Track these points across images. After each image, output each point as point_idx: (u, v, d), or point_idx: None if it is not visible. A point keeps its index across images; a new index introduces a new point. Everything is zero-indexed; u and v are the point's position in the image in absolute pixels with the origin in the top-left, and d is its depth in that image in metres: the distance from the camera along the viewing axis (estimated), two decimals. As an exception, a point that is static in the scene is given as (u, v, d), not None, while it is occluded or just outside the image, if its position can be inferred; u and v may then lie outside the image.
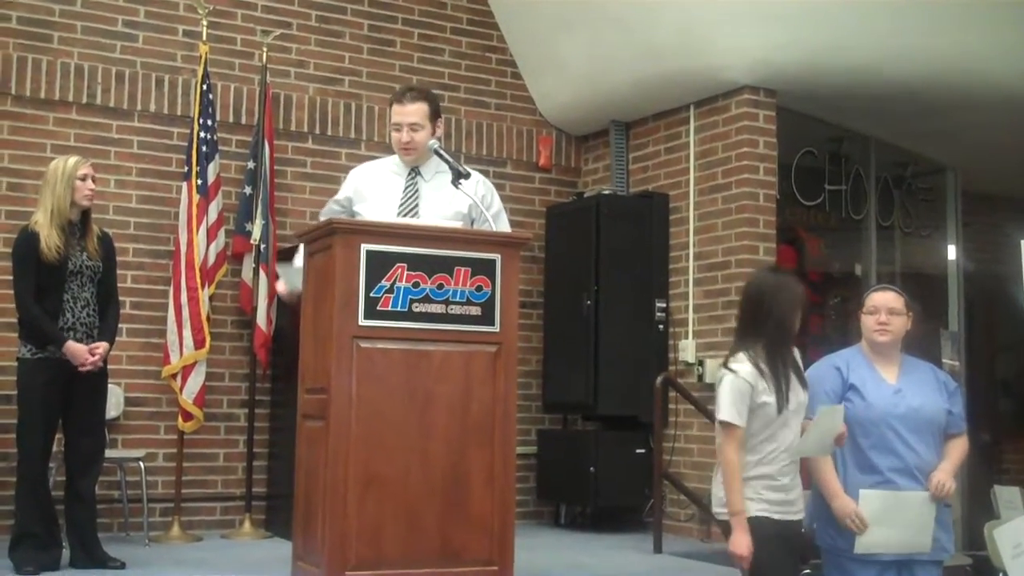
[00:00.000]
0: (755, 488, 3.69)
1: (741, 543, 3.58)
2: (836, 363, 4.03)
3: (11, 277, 4.98)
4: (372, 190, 4.39)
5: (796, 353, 3.85)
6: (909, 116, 7.09)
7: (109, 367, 5.15)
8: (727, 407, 3.64)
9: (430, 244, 3.96)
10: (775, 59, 6.38)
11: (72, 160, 5.05)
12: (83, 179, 5.00)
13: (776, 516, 3.68)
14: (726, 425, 3.65)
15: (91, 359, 4.90)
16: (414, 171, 4.42)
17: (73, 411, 4.99)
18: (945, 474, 3.88)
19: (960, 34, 6.36)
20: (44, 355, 4.88)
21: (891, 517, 3.77)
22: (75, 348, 4.87)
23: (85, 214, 5.06)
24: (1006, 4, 6.32)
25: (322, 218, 4.43)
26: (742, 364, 3.67)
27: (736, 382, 3.65)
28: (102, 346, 4.97)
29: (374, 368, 3.85)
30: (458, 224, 4.28)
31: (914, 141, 7.75)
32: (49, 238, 4.85)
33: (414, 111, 4.39)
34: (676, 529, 6.47)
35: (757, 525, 3.67)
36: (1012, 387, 8.93)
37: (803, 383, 3.77)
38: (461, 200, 4.35)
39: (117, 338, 5.26)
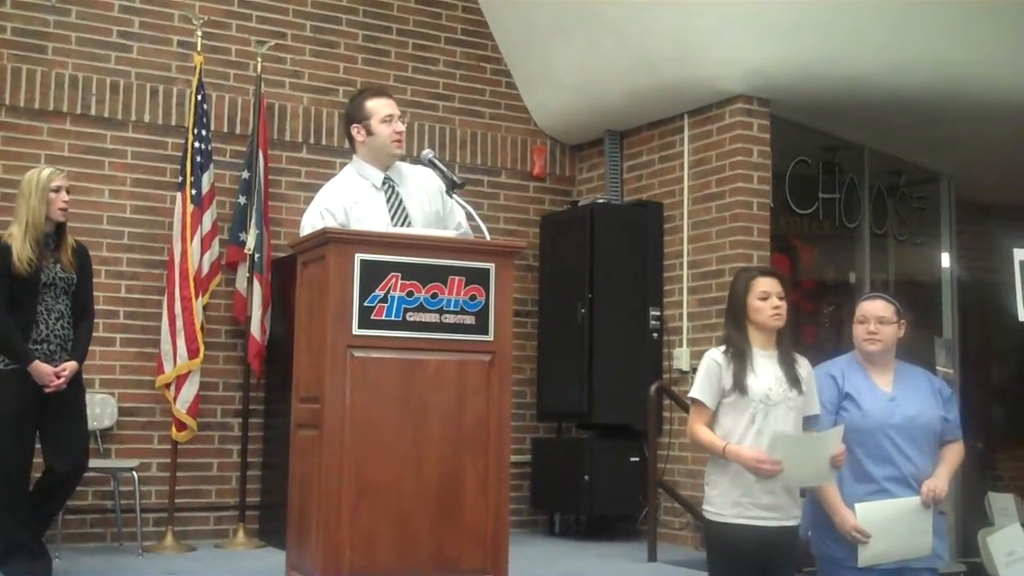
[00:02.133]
0: (730, 492, 3.71)
1: (749, 455, 3.65)
2: (831, 371, 4.05)
3: None
4: (360, 209, 4.25)
5: (803, 359, 3.88)
6: (902, 125, 7.11)
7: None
8: (695, 385, 3.84)
9: (424, 253, 3.95)
10: (769, 68, 6.40)
11: (46, 172, 4.97)
12: (56, 191, 4.93)
13: (754, 522, 3.69)
14: (693, 401, 3.83)
15: (56, 382, 4.83)
16: (388, 180, 4.34)
17: (49, 426, 4.91)
18: (938, 480, 3.89)
19: (954, 44, 6.38)
20: (16, 366, 4.80)
21: (889, 526, 3.77)
22: (41, 369, 4.79)
23: (60, 225, 4.99)
24: (1000, 14, 6.35)
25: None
26: (715, 349, 3.88)
27: (706, 362, 3.84)
28: (69, 367, 4.88)
29: (368, 377, 3.84)
30: (441, 227, 4.26)
31: (908, 150, 7.77)
32: (22, 251, 4.79)
33: (396, 104, 4.36)
34: (671, 537, 6.47)
35: (728, 531, 3.70)
36: (1006, 394, 8.94)
37: (796, 383, 3.77)
38: (436, 199, 4.33)
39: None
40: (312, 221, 4.20)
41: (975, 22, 6.35)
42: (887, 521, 3.77)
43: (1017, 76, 6.59)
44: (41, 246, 4.88)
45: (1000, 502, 4.90)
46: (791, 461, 3.61)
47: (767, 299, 3.80)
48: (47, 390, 4.83)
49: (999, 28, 6.41)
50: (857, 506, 3.81)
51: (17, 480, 4.83)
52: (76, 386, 4.99)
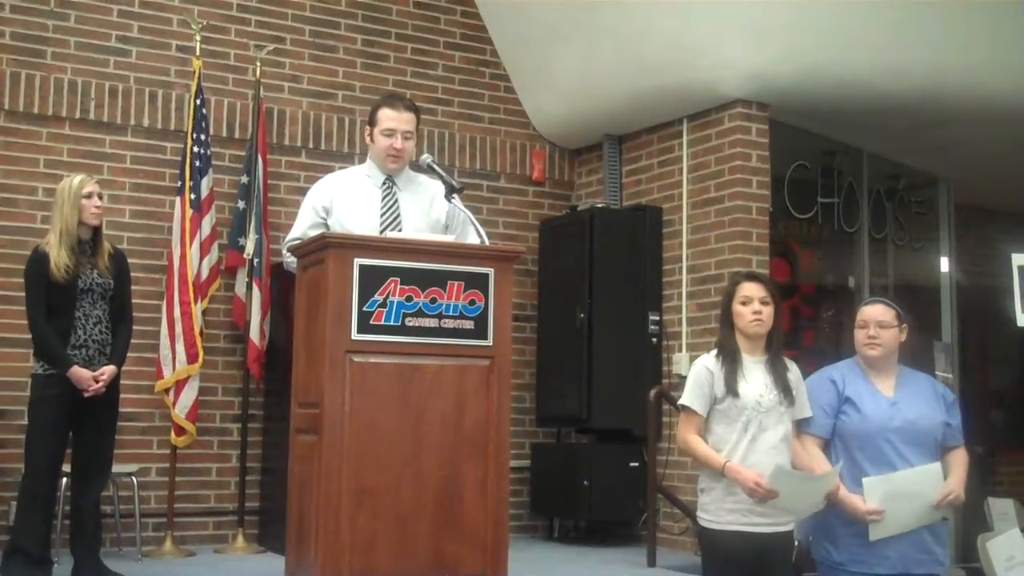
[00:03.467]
0: (724, 499, 3.71)
1: (748, 477, 3.63)
2: (832, 376, 4.05)
3: (22, 294, 5.02)
4: (349, 200, 4.34)
5: (792, 364, 3.88)
6: (901, 129, 7.11)
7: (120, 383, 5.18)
8: (686, 392, 3.82)
9: (423, 258, 3.96)
10: (767, 73, 6.40)
11: (77, 179, 5.07)
12: (88, 197, 5.02)
13: (748, 528, 3.69)
14: (684, 409, 3.81)
15: (95, 386, 4.92)
16: (389, 181, 4.41)
17: (83, 428, 5.01)
18: (956, 484, 3.88)
19: (952, 48, 6.39)
20: (56, 371, 4.89)
21: (897, 497, 3.75)
22: (80, 374, 4.88)
23: (96, 231, 5.09)
24: (998, 18, 6.35)
25: (296, 232, 4.39)
26: (707, 355, 3.87)
27: (696, 369, 3.83)
28: (108, 371, 4.98)
29: (367, 382, 3.84)
30: (439, 234, 4.28)
31: (906, 154, 7.78)
32: (59, 258, 4.89)
33: (408, 120, 4.39)
34: (670, 543, 6.46)
35: (722, 538, 3.70)
36: (1005, 399, 8.94)
37: (786, 389, 3.77)
38: (439, 210, 4.37)
39: (127, 353, 5.27)
40: (299, 213, 4.42)
41: (973, 26, 6.35)
42: (895, 492, 3.74)
43: (1015, 80, 6.59)
44: (77, 253, 4.96)
45: (999, 507, 4.89)
46: (787, 493, 3.61)
47: (748, 304, 3.80)
48: (86, 395, 4.91)
49: (997, 32, 6.41)
50: (865, 481, 3.78)
51: (46, 482, 4.93)
52: (113, 391, 5.09)
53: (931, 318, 7.90)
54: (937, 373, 7.22)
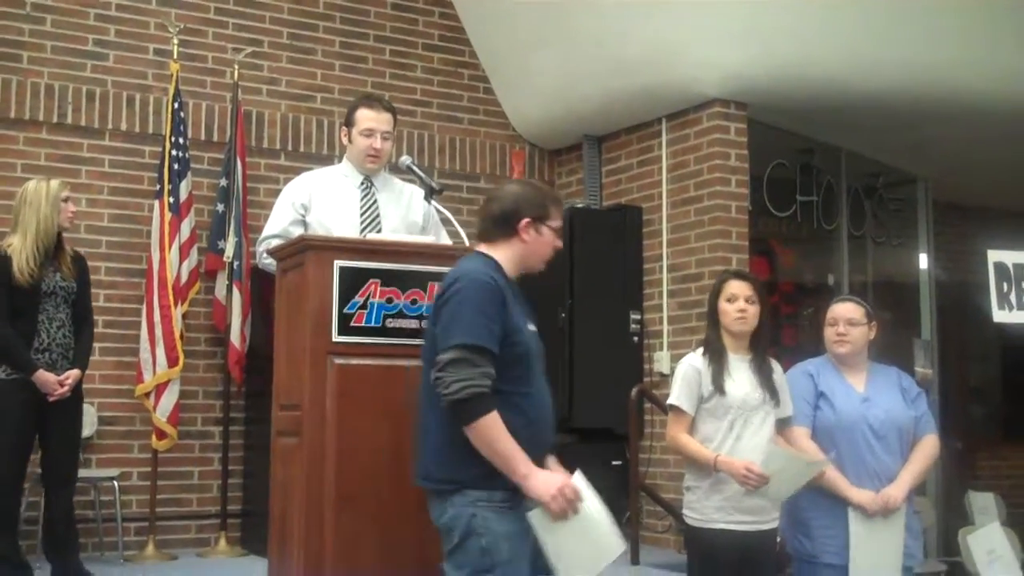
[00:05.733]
0: (711, 497, 3.73)
1: (740, 465, 3.65)
2: (808, 370, 4.10)
3: None
4: (328, 200, 4.33)
5: (776, 363, 3.91)
6: (879, 128, 7.15)
7: (83, 386, 5.13)
8: (674, 392, 3.84)
9: (404, 259, 3.95)
10: (745, 72, 6.43)
11: (55, 182, 5.06)
12: (66, 201, 5.02)
13: (735, 527, 3.70)
14: (672, 408, 3.83)
15: (60, 390, 4.89)
16: (367, 181, 4.40)
17: (48, 432, 4.98)
18: (894, 489, 3.90)
19: (928, 46, 6.43)
20: (19, 376, 4.85)
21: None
22: (44, 378, 4.86)
23: (58, 235, 5.05)
24: (974, 18, 6.40)
25: (274, 229, 4.35)
26: (693, 354, 3.89)
27: (683, 368, 3.86)
28: (72, 375, 4.96)
29: (348, 384, 3.83)
30: (417, 235, 4.28)
31: (885, 152, 7.82)
32: (23, 261, 4.85)
33: (387, 120, 4.38)
34: (653, 540, 6.48)
35: (709, 536, 3.72)
36: (984, 394, 9.00)
37: (771, 388, 3.79)
38: (416, 211, 4.36)
39: (90, 357, 5.23)
40: (275, 209, 4.38)
41: (948, 25, 6.39)
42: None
43: (991, 78, 6.64)
44: (45, 255, 4.93)
45: (980, 501, 4.92)
46: (778, 476, 3.63)
47: (734, 302, 3.82)
48: (51, 399, 4.87)
49: (975, 31, 6.45)
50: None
51: (10, 489, 4.88)
52: (77, 395, 5.05)
53: (910, 315, 7.95)
54: (916, 369, 7.27)
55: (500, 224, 3.24)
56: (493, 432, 3.02)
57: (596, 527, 3.14)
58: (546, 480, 3.03)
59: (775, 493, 3.72)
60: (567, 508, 3.02)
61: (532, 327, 3.29)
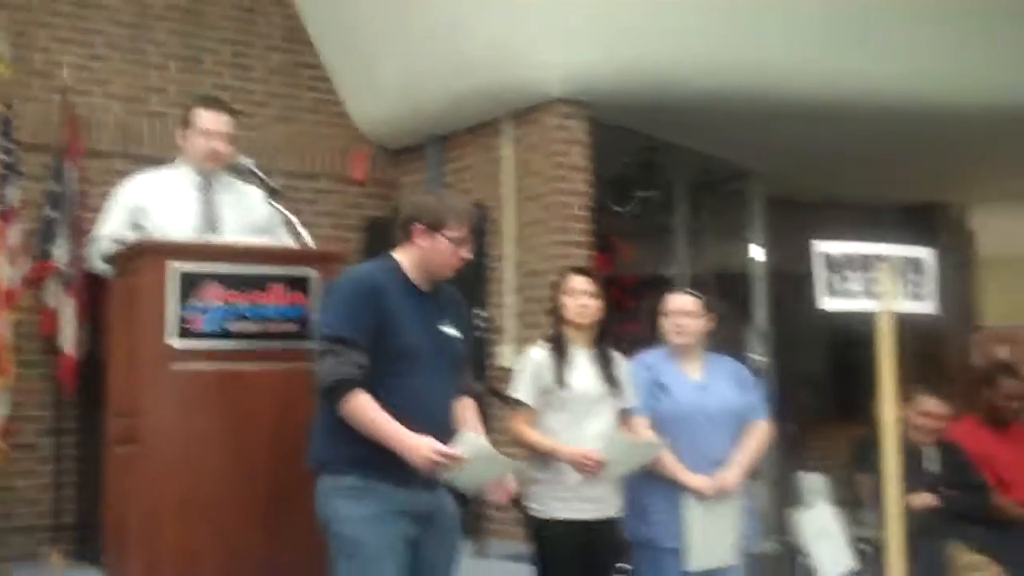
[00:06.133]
0: (553, 488, 3.81)
1: (575, 452, 3.78)
2: (646, 361, 4.21)
3: None
4: (163, 202, 4.23)
5: (619, 355, 4.01)
6: (715, 125, 7.35)
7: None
8: (517, 386, 3.94)
9: (243, 261, 3.91)
10: (586, 72, 6.54)
11: None
12: None
13: (578, 516, 3.79)
14: (515, 402, 3.94)
15: None
16: (205, 182, 4.33)
17: None
18: (727, 475, 4.06)
19: (760, 47, 6.63)
20: None
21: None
22: None
23: None
24: (804, 18, 6.64)
25: (106, 230, 4.24)
26: (536, 348, 3.99)
27: (526, 363, 3.97)
28: None
29: (188, 390, 3.76)
30: (260, 237, 4.23)
31: (721, 149, 8.05)
32: None
33: (227, 123, 4.33)
34: (501, 533, 6.53)
35: (552, 527, 3.80)
36: (814, 380, 9.39)
37: (612, 379, 3.89)
38: (258, 212, 4.30)
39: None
40: (109, 209, 4.29)
41: (781, 25, 6.61)
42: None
43: (818, 78, 6.89)
44: None
45: (809, 482, 5.12)
46: (615, 460, 3.73)
47: (575, 296, 3.91)
48: None
49: (804, 30, 6.69)
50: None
51: None
52: None
53: (744, 304, 8.21)
54: (751, 357, 7.52)
55: (400, 228, 3.42)
56: (362, 410, 3.19)
57: (488, 456, 3.37)
58: (413, 445, 3.15)
59: (612, 476, 3.82)
60: (437, 466, 3.17)
61: (445, 328, 3.42)
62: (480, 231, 7.09)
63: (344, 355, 3.21)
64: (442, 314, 3.43)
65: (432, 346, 3.35)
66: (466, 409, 3.51)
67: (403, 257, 3.42)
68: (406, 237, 3.39)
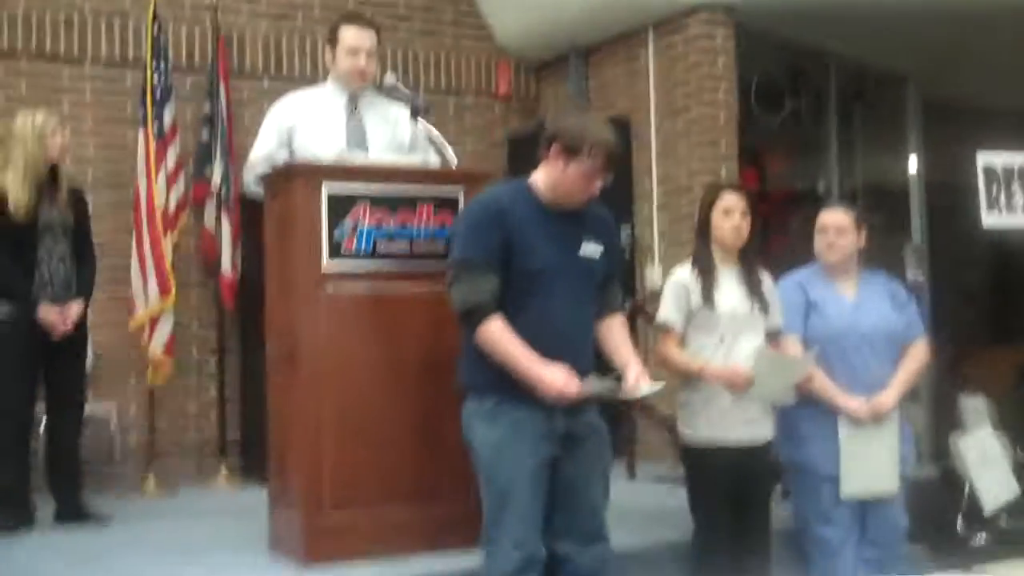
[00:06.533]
0: (705, 412, 3.76)
1: (723, 370, 3.73)
2: (798, 280, 4.11)
3: None
4: (312, 121, 4.27)
5: (766, 274, 3.91)
6: (867, 28, 7.04)
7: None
8: (662, 309, 3.86)
9: (391, 181, 3.93)
10: (732, -23, 6.32)
11: (40, 117, 4.95)
12: (53, 134, 4.92)
13: (730, 441, 3.74)
14: (661, 327, 3.85)
15: (63, 328, 4.85)
16: (353, 101, 4.35)
17: (53, 368, 4.96)
18: (884, 397, 3.94)
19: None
20: (18, 314, 4.79)
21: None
22: (47, 312, 4.80)
23: (54, 168, 4.98)
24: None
25: (260, 152, 4.30)
26: (681, 268, 3.87)
27: (671, 285, 3.86)
28: (75, 308, 4.91)
29: (342, 310, 3.84)
30: (406, 156, 4.23)
31: (873, 53, 7.71)
32: (18, 197, 4.80)
33: (370, 37, 4.34)
34: (650, 455, 6.53)
35: (704, 451, 3.76)
36: (975, 299, 9.03)
37: (760, 299, 3.81)
38: (403, 130, 4.31)
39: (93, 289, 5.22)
40: (261, 133, 4.37)
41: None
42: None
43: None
44: (39, 191, 4.86)
45: (971, 405, 4.96)
46: (764, 377, 3.66)
47: (730, 215, 3.81)
48: (54, 337, 4.84)
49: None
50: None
51: (18, 426, 4.86)
52: (81, 328, 5.02)
53: (901, 220, 7.93)
54: (908, 274, 7.28)
55: (542, 144, 3.35)
56: (495, 336, 3.22)
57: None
58: (546, 380, 3.18)
59: (762, 394, 3.75)
60: (567, 399, 3.20)
61: (587, 246, 3.37)
62: (622, 159, 6.97)
63: (475, 280, 3.22)
64: (584, 233, 3.38)
65: (566, 266, 3.31)
66: (612, 328, 3.47)
67: (540, 175, 3.36)
68: (545, 154, 3.33)
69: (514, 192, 3.36)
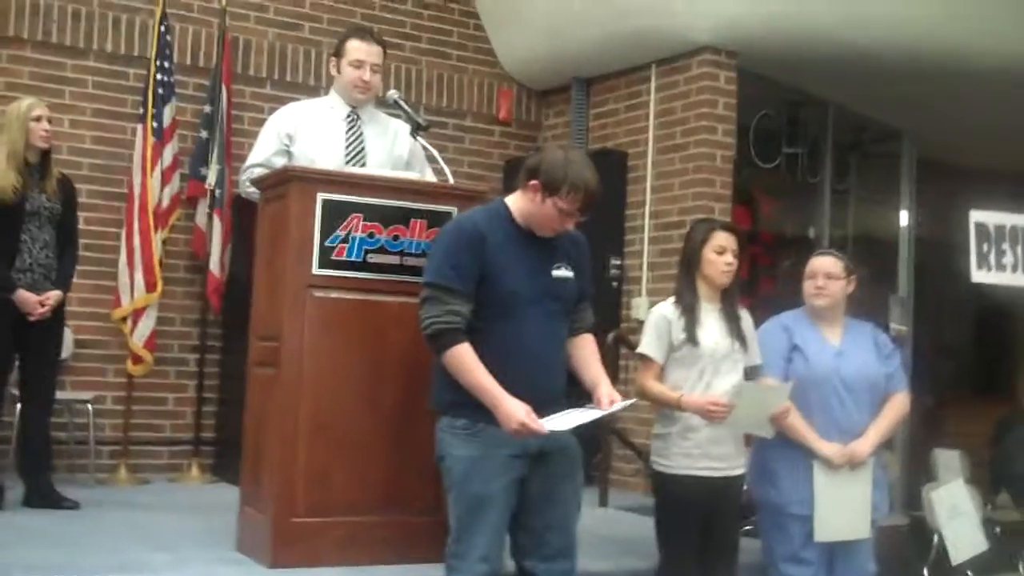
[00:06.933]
0: (679, 443, 3.77)
1: (703, 400, 3.70)
2: (783, 323, 4.13)
3: None
4: (312, 131, 4.31)
5: (745, 312, 3.94)
6: (867, 81, 7.13)
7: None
8: (644, 341, 3.86)
9: (387, 195, 3.96)
10: (737, 20, 6.39)
11: (26, 102, 5.02)
12: (37, 120, 4.96)
13: (703, 473, 3.75)
14: (643, 357, 3.85)
15: (40, 310, 4.88)
16: (354, 114, 4.38)
17: (28, 352, 4.98)
18: (860, 444, 3.96)
19: (920, 2, 6.39)
20: None
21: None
22: (24, 297, 4.84)
23: (45, 156, 5.02)
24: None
25: (258, 158, 4.33)
26: (664, 303, 3.89)
27: (654, 318, 3.87)
28: (53, 296, 4.94)
29: (327, 317, 3.85)
30: (403, 171, 4.27)
31: (871, 106, 7.80)
32: (5, 179, 4.82)
33: (376, 52, 4.37)
34: (621, 484, 6.54)
35: (676, 482, 3.77)
36: (957, 352, 9.09)
37: (740, 337, 3.83)
38: (402, 146, 4.36)
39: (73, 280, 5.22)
40: (260, 138, 4.39)
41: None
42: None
43: (979, 37, 6.61)
44: (25, 175, 4.90)
45: (945, 458, 4.99)
46: (743, 407, 3.67)
47: (722, 254, 3.83)
48: (31, 319, 4.86)
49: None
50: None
51: None
52: (58, 317, 5.05)
53: (888, 271, 7.99)
54: (891, 325, 7.32)
55: (523, 174, 3.38)
56: (462, 363, 3.23)
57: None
58: (509, 412, 3.17)
59: (739, 424, 3.75)
60: (527, 435, 3.20)
61: (559, 271, 3.40)
62: (620, 178, 7.03)
63: (446, 304, 3.22)
64: (557, 257, 3.40)
65: (539, 291, 3.33)
66: (581, 345, 3.50)
67: (514, 202, 3.39)
68: (523, 184, 3.36)
69: (491, 216, 3.38)
